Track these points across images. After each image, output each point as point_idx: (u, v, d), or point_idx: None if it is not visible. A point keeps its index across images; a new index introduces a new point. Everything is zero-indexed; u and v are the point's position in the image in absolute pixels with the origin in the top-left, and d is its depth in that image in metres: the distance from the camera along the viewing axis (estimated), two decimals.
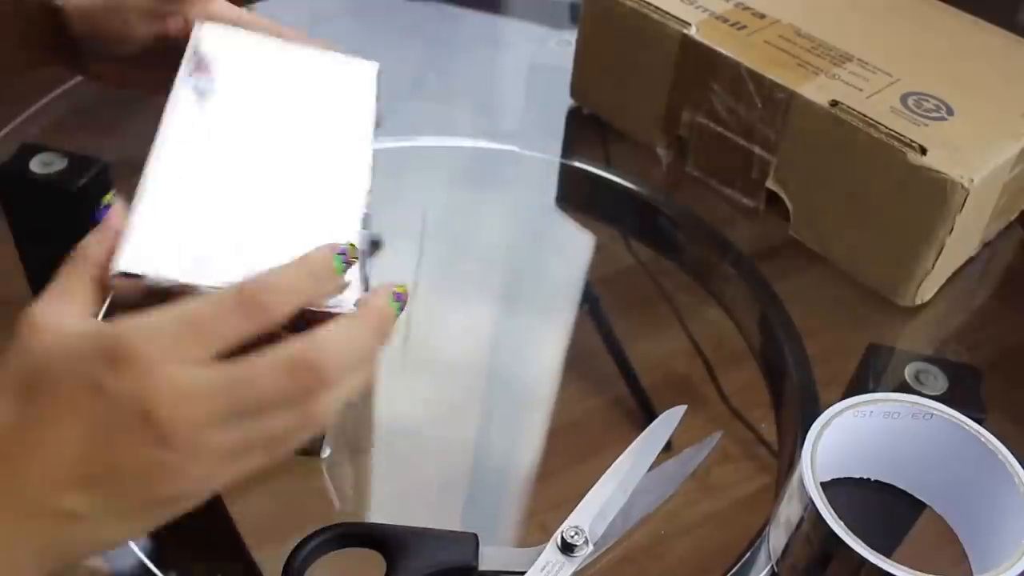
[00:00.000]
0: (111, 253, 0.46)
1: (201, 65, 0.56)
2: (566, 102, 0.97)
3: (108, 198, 0.47)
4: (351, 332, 0.44)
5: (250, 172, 0.52)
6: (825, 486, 0.57)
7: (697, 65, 0.83)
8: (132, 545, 0.59)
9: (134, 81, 0.64)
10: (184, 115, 0.53)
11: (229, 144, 0.53)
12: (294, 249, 0.46)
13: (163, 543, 0.60)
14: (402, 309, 0.47)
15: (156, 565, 0.59)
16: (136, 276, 0.45)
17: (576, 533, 0.59)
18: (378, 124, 0.58)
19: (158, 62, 0.59)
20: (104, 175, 0.75)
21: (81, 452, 0.39)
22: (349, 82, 0.60)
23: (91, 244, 0.46)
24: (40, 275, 0.75)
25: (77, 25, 0.60)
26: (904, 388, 0.68)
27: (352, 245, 0.47)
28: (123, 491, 0.40)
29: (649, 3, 0.85)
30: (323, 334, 0.43)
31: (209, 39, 0.57)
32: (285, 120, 0.56)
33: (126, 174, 0.80)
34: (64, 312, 0.43)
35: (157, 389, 0.39)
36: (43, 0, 0.60)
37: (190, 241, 0.48)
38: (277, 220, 0.50)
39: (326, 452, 0.58)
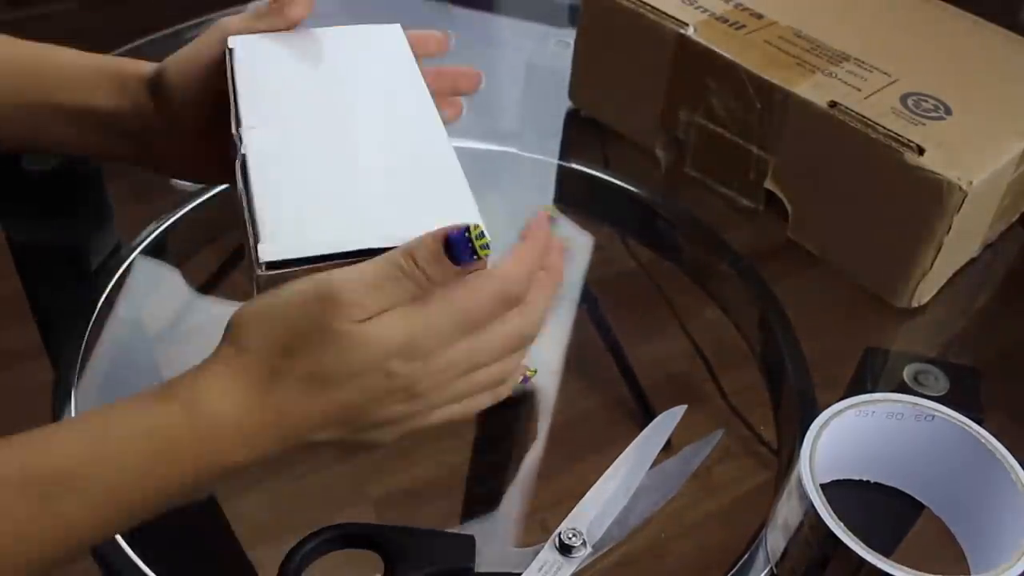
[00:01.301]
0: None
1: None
2: (564, 103, 0.96)
3: (485, 251, 0.50)
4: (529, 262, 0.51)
5: (339, 143, 0.55)
6: (823, 487, 0.56)
7: (695, 66, 0.83)
8: (126, 547, 0.59)
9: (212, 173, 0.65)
10: (257, 113, 0.56)
11: (309, 125, 0.56)
12: (401, 199, 0.51)
13: (158, 544, 0.60)
14: None
15: (151, 566, 0.59)
16: (282, 263, 0.48)
17: (574, 534, 0.58)
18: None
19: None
20: (96, 173, 0.74)
21: (354, 419, 0.49)
22: (384, 47, 0.63)
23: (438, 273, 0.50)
24: (33, 270, 0.75)
25: (174, 101, 0.61)
26: (903, 389, 0.68)
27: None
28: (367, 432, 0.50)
29: (647, 4, 0.85)
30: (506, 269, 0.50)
31: (242, 48, 0.60)
32: (347, 93, 0.59)
33: (119, 171, 0.80)
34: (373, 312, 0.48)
35: (435, 380, 0.49)
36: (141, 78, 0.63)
37: (314, 216, 0.50)
38: (379, 178, 0.53)
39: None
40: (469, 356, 0.50)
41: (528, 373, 0.57)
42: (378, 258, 0.48)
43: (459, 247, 0.47)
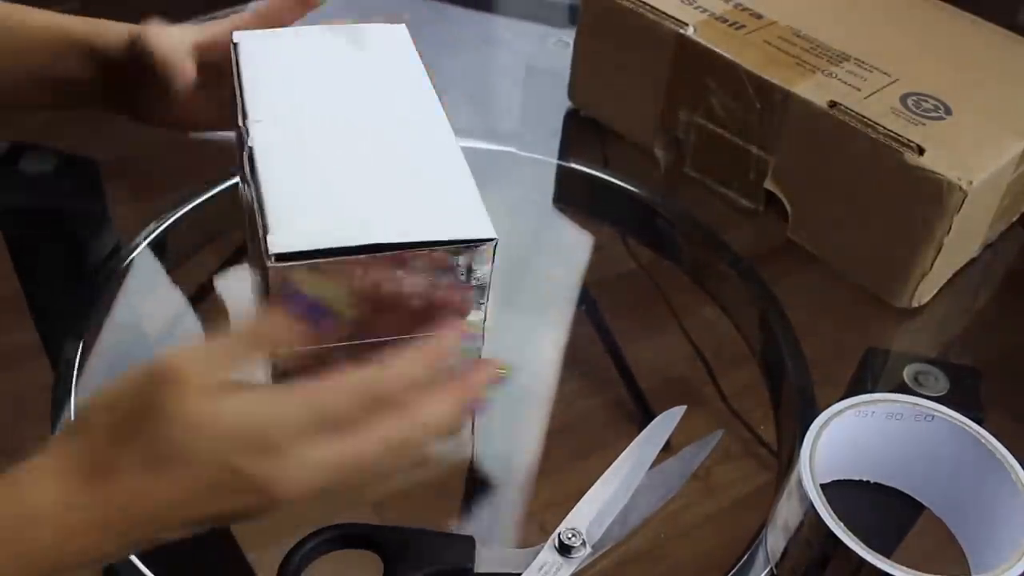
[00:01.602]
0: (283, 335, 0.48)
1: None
2: (564, 103, 0.96)
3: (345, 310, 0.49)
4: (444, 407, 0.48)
5: (346, 139, 0.55)
6: (824, 488, 0.56)
7: (695, 66, 0.83)
8: None
9: (203, 121, 0.67)
10: (263, 107, 0.56)
11: (316, 120, 0.56)
12: (410, 197, 0.51)
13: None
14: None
15: (149, 567, 0.58)
16: (292, 255, 0.47)
17: (573, 535, 0.58)
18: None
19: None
20: (95, 174, 0.74)
21: (196, 514, 0.44)
22: (389, 45, 0.63)
23: (267, 322, 0.48)
24: (30, 273, 0.75)
25: (159, 67, 0.62)
26: (903, 389, 0.68)
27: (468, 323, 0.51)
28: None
29: (647, 3, 0.85)
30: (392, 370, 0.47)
31: (247, 43, 0.60)
32: (353, 89, 0.59)
33: (115, 173, 0.80)
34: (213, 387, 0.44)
35: (282, 474, 0.44)
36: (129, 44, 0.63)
37: (324, 210, 0.50)
38: (388, 175, 0.53)
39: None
40: (335, 456, 0.45)
41: (501, 371, 0.52)
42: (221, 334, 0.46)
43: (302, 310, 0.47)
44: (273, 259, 0.47)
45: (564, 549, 0.58)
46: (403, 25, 0.65)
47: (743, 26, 0.84)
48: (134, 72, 0.62)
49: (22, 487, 0.43)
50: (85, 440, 0.43)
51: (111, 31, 0.64)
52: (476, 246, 0.50)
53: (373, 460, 0.46)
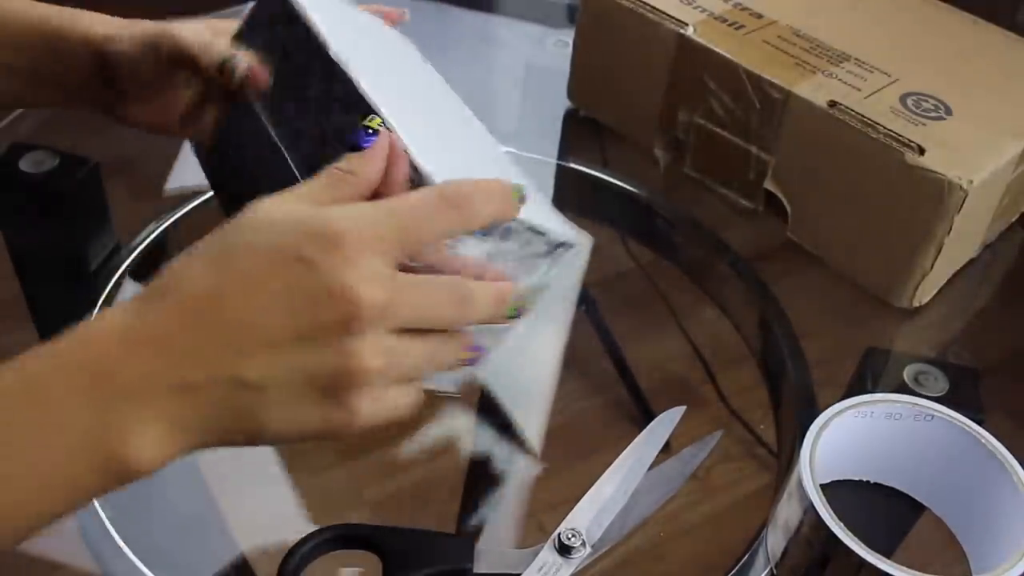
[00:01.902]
0: (377, 173, 0.48)
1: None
2: (563, 103, 0.96)
3: (375, 122, 0.49)
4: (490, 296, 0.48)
5: (431, 111, 0.57)
6: (824, 488, 0.56)
7: (694, 65, 0.83)
8: (123, 546, 0.59)
9: (170, 126, 0.65)
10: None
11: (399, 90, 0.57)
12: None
13: (157, 545, 0.60)
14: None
15: (149, 567, 0.58)
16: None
17: (573, 535, 0.58)
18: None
19: (193, 107, 0.63)
20: (95, 174, 0.74)
21: (271, 319, 0.41)
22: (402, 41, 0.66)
23: (356, 160, 0.48)
24: (30, 274, 0.75)
25: (115, 65, 0.61)
26: (903, 390, 0.68)
27: (522, 186, 0.49)
28: (303, 364, 0.42)
29: (647, 3, 0.85)
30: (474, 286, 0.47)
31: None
32: (404, 61, 0.62)
33: (117, 173, 0.80)
34: (288, 201, 0.45)
35: (359, 274, 0.41)
36: (88, 44, 0.61)
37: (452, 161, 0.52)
38: (483, 156, 0.56)
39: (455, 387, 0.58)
40: (409, 279, 0.44)
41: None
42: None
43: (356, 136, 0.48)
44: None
45: (564, 549, 0.58)
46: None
47: (743, 26, 0.84)
48: (139, 70, 0.62)
49: (91, 320, 0.42)
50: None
51: (90, 25, 0.62)
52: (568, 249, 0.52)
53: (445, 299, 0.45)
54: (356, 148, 0.47)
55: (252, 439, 0.44)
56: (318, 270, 0.41)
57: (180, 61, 0.59)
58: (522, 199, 0.48)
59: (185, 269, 0.43)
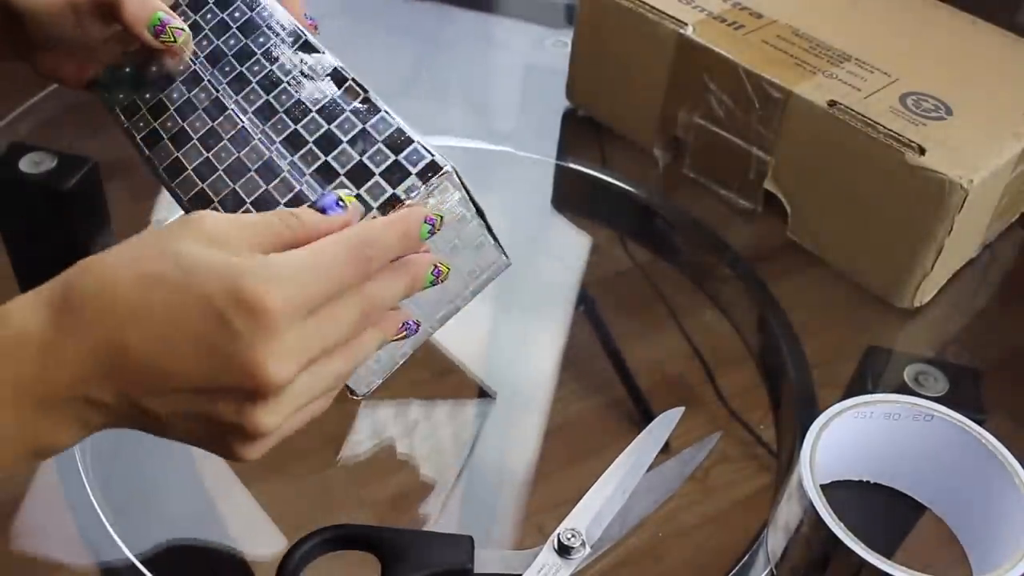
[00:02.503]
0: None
1: None
2: (562, 103, 0.96)
3: (349, 199, 0.50)
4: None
5: None
6: (824, 489, 0.56)
7: (694, 65, 0.83)
8: (124, 547, 0.59)
9: (80, 77, 0.63)
10: None
11: None
12: None
13: (156, 545, 0.60)
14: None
15: (149, 567, 0.58)
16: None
17: (572, 535, 0.58)
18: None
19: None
20: (94, 174, 0.74)
21: (180, 368, 0.43)
22: None
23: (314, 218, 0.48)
24: (29, 275, 0.75)
25: (31, 21, 0.59)
26: (903, 390, 0.68)
27: (440, 217, 0.50)
28: (204, 411, 0.44)
29: (646, 3, 0.85)
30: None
31: None
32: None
33: (116, 173, 0.80)
34: (228, 240, 0.45)
35: (273, 350, 0.42)
36: None
37: None
38: None
39: (364, 391, 0.57)
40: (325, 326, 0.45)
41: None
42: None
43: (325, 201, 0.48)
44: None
45: (563, 550, 0.58)
46: None
47: (742, 26, 0.84)
48: (57, 21, 0.59)
49: (9, 312, 0.43)
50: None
51: None
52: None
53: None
54: (321, 211, 0.48)
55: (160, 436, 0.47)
56: (236, 336, 0.42)
57: (104, 14, 0.58)
58: (431, 231, 0.50)
59: (108, 282, 0.43)
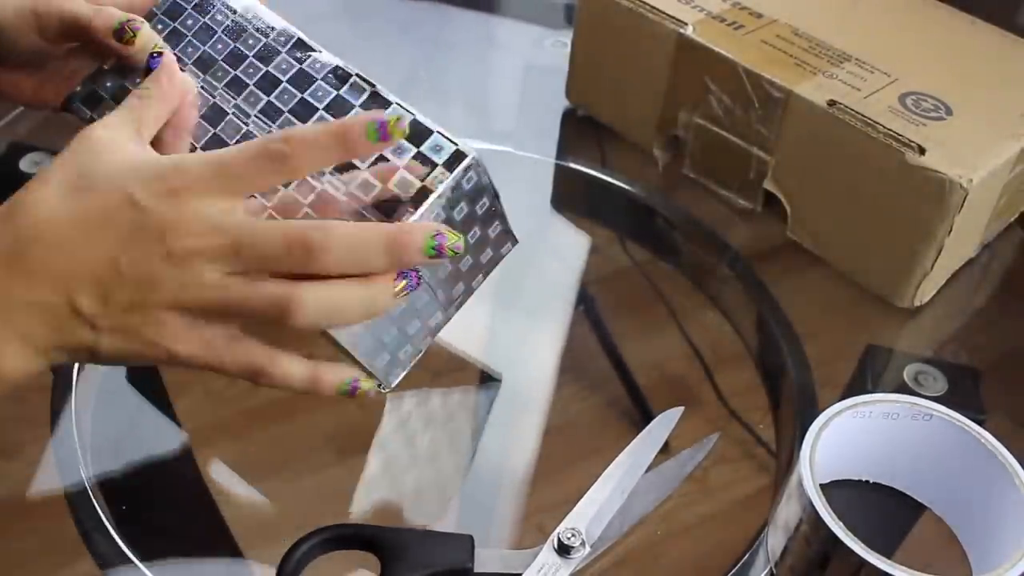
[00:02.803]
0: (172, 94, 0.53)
1: None
2: (561, 103, 0.96)
3: (157, 47, 0.55)
4: (359, 230, 0.48)
5: None
6: (823, 488, 0.56)
7: (694, 65, 0.83)
8: (124, 547, 0.59)
9: (39, 95, 0.63)
10: None
11: None
12: None
13: (156, 545, 0.60)
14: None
15: (149, 567, 0.58)
16: None
17: (572, 535, 0.58)
18: None
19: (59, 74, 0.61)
20: None
21: (100, 255, 0.46)
22: None
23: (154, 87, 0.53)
24: None
25: None
26: (903, 389, 0.68)
27: (396, 119, 0.49)
28: (122, 298, 0.46)
29: (645, 3, 0.85)
30: (333, 223, 0.48)
31: None
32: None
33: None
34: (125, 136, 0.50)
35: (178, 216, 0.46)
36: None
37: None
38: None
39: (393, 383, 0.57)
40: (232, 217, 0.48)
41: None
42: None
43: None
44: None
45: (563, 549, 0.58)
46: None
47: (742, 26, 0.84)
48: (18, 39, 0.59)
49: None
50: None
51: None
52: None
53: (271, 242, 0.47)
54: (148, 71, 0.53)
55: (93, 360, 0.49)
56: (147, 214, 0.46)
57: (69, 29, 0.57)
58: (383, 136, 0.49)
59: (35, 195, 0.47)
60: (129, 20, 0.56)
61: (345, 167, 0.51)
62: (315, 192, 0.51)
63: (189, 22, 0.58)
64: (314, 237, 0.47)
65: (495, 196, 0.53)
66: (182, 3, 0.59)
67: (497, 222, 0.55)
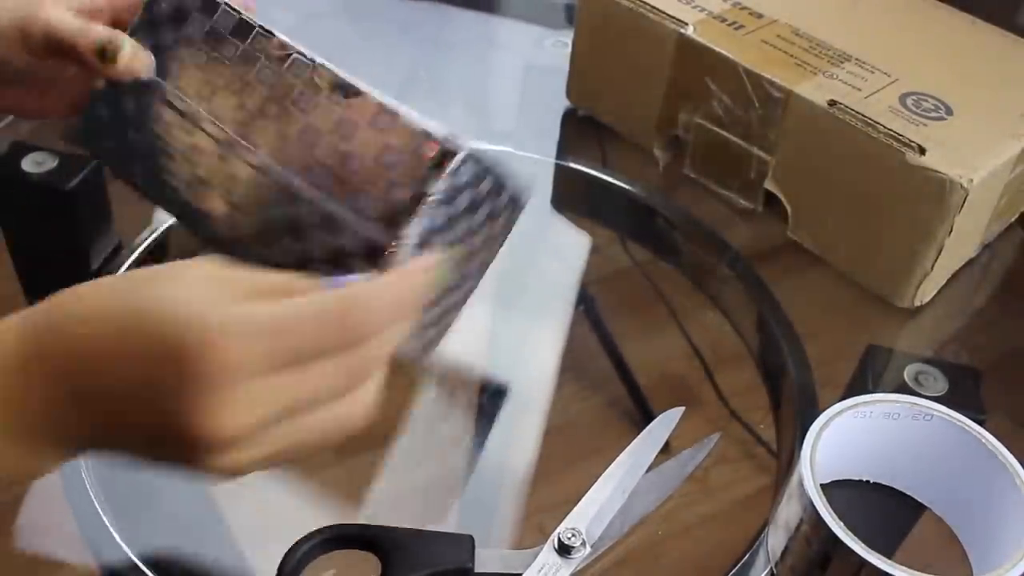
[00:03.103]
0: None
1: None
2: (562, 103, 0.96)
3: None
4: (394, 288, 0.44)
5: None
6: (824, 488, 0.56)
7: (694, 65, 0.83)
8: (125, 547, 0.59)
9: (55, 111, 0.63)
10: None
11: None
12: None
13: (157, 545, 0.60)
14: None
15: (150, 567, 0.58)
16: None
17: (573, 535, 0.58)
18: None
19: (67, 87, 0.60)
20: (96, 174, 0.74)
21: (129, 407, 0.41)
22: None
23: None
24: (31, 274, 0.75)
25: None
26: (903, 389, 0.68)
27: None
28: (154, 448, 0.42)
29: (646, 3, 0.85)
30: (368, 288, 0.44)
31: None
32: None
33: None
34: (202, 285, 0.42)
35: (213, 405, 0.39)
36: None
37: None
38: None
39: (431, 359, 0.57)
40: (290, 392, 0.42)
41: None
42: None
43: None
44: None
45: (564, 549, 0.58)
46: None
47: (742, 26, 0.84)
48: (7, 57, 0.58)
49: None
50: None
51: None
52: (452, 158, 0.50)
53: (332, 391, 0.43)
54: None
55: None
56: (170, 393, 0.40)
57: (54, 47, 0.56)
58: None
59: (83, 321, 0.42)
60: (110, 40, 0.55)
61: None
62: (321, 214, 0.51)
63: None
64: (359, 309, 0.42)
65: (496, 173, 0.54)
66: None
67: (504, 193, 0.55)
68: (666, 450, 0.65)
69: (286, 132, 0.53)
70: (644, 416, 0.69)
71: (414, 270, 0.47)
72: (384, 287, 0.44)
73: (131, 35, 0.56)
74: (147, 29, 0.57)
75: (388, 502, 0.66)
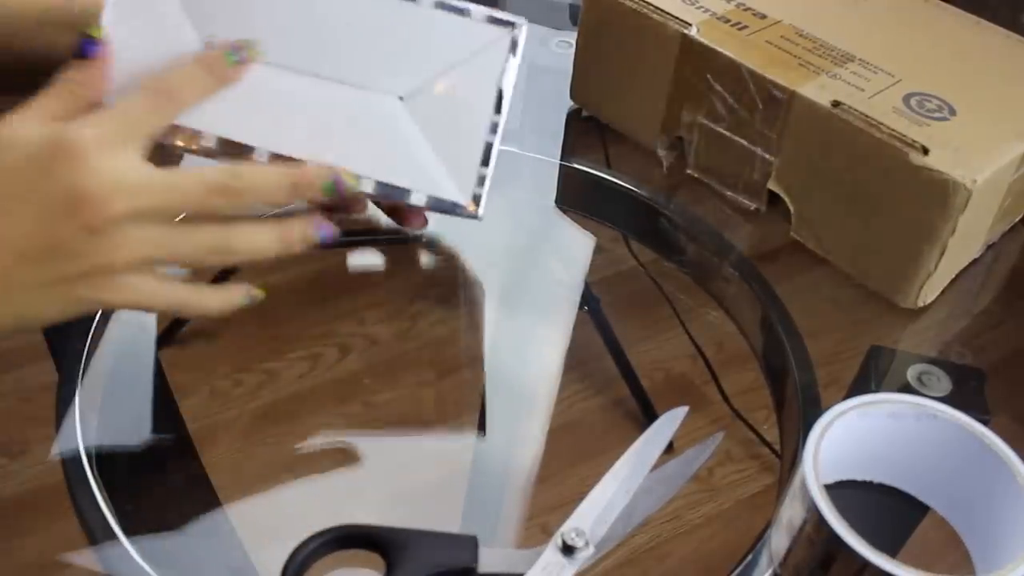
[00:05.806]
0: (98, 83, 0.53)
1: None
2: (566, 103, 0.96)
3: (97, 32, 0.53)
4: (266, 173, 0.52)
5: None
6: (827, 488, 0.56)
7: (698, 66, 0.83)
8: (129, 547, 0.59)
9: None
10: None
11: None
12: None
13: (161, 545, 0.60)
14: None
15: (153, 567, 0.58)
16: None
17: (577, 534, 0.58)
18: None
19: None
20: None
21: (20, 231, 0.47)
22: None
23: (80, 73, 0.52)
24: None
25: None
26: (907, 390, 0.68)
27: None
28: (56, 272, 0.48)
29: (650, 4, 0.85)
30: (243, 168, 0.52)
31: None
32: None
33: None
34: (27, 120, 0.50)
35: (93, 175, 0.47)
36: None
37: None
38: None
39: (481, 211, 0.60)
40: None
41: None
42: None
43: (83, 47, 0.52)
44: None
45: (567, 549, 0.58)
46: None
47: (746, 26, 0.84)
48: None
49: None
50: None
51: None
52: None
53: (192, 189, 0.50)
54: (82, 57, 0.52)
55: (37, 326, 0.52)
56: (56, 178, 0.47)
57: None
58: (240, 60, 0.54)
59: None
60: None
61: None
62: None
63: None
64: (231, 183, 0.50)
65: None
66: None
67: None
68: (670, 450, 0.65)
69: None
70: (648, 416, 0.69)
71: (307, 170, 0.53)
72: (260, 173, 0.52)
73: None
74: None
75: (392, 502, 0.66)
